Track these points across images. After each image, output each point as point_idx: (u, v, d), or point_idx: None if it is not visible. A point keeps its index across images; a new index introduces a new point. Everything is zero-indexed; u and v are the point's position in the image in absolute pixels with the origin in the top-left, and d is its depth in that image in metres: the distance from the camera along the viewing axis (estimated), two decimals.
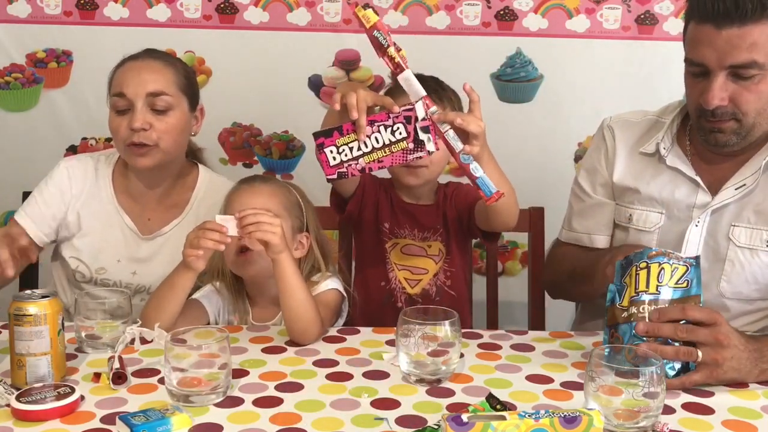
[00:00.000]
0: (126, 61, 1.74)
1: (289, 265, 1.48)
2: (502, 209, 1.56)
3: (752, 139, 1.54)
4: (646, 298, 1.31)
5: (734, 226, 1.57)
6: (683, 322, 1.29)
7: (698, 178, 1.60)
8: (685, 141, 1.65)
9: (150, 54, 1.75)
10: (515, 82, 2.49)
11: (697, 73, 1.50)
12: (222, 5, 2.45)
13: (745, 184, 1.56)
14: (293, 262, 1.50)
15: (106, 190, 1.79)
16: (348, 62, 2.49)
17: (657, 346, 1.26)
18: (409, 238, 1.79)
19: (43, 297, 1.27)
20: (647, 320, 1.30)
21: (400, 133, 1.40)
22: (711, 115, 1.50)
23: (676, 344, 1.28)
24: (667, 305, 1.31)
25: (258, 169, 2.56)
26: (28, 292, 1.29)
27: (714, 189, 1.59)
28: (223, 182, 1.85)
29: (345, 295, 1.66)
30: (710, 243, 1.59)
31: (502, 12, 2.47)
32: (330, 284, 1.62)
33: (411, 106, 1.40)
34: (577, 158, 2.55)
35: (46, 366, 1.26)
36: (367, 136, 1.39)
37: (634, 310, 1.31)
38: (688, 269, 1.33)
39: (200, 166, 1.87)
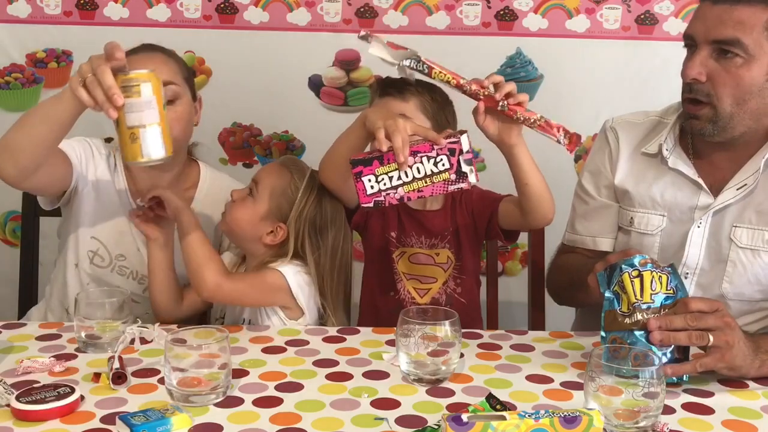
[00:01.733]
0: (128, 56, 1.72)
1: (184, 219, 1.56)
2: (543, 198, 1.55)
3: (733, 132, 1.52)
4: (643, 306, 1.31)
5: (735, 226, 1.57)
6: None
7: (700, 180, 1.60)
8: (687, 142, 1.64)
9: (150, 48, 1.74)
10: (515, 82, 2.48)
11: (688, 47, 1.52)
12: (222, 5, 2.45)
13: (746, 184, 1.55)
14: (188, 217, 1.57)
15: (121, 183, 1.77)
16: (348, 62, 2.49)
17: (670, 333, 1.26)
18: (416, 247, 1.78)
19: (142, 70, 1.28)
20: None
21: (443, 165, 1.38)
22: (688, 90, 1.50)
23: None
24: (661, 313, 1.31)
25: (258, 169, 2.56)
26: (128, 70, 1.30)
27: (715, 190, 1.59)
28: (224, 179, 1.85)
29: (291, 287, 1.57)
30: (712, 244, 1.59)
31: (502, 12, 2.47)
32: (281, 268, 1.57)
33: (456, 139, 1.38)
34: (577, 158, 2.56)
35: (159, 136, 1.27)
36: (409, 166, 1.37)
37: (639, 316, 1.31)
38: (668, 277, 1.34)
39: (200, 162, 1.87)
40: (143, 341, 1.35)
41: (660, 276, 1.33)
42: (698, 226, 1.59)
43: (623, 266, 1.35)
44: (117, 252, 1.76)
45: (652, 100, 2.01)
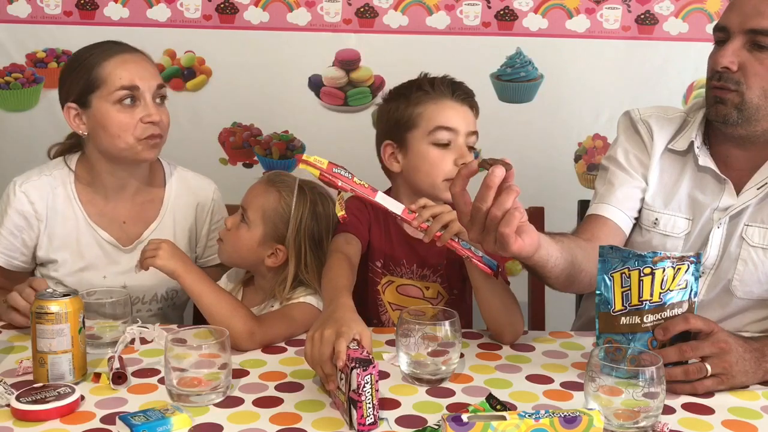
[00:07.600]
0: (114, 53, 1.65)
1: (186, 280, 1.48)
2: (492, 309, 1.52)
3: (756, 127, 1.50)
4: (649, 306, 1.29)
5: (747, 225, 1.55)
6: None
7: (727, 179, 1.56)
8: (706, 141, 1.62)
9: (130, 48, 1.69)
10: (515, 82, 2.49)
11: (719, 40, 1.50)
12: (222, 5, 2.45)
13: (766, 183, 1.53)
14: (191, 275, 1.49)
15: (72, 209, 1.71)
16: (348, 62, 2.49)
17: (667, 369, 1.23)
18: (406, 277, 1.68)
19: (65, 295, 1.29)
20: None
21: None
22: (717, 78, 1.48)
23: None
24: (668, 312, 1.29)
25: (258, 169, 2.56)
26: (50, 290, 1.31)
27: (735, 191, 1.57)
28: (191, 179, 1.82)
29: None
30: (726, 243, 1.57)
31: (502, 12, 2.47)
32: (305, 299, 1.57)
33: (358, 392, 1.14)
34: (577, 158, 2.56)
35: (67, 364, 1.28)
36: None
37: (637, 320, 1.29)
38: (688, 267, 1.30)
39: (162, 160, 1.81)
40: (143, 341, 1.35)
41: (678, 268, 1.29)
42: (718, 227, 1.57)
43: (630, 262, 1.29)
44: (84, 288, 1.65)
45: (652, 99, 2.02)
